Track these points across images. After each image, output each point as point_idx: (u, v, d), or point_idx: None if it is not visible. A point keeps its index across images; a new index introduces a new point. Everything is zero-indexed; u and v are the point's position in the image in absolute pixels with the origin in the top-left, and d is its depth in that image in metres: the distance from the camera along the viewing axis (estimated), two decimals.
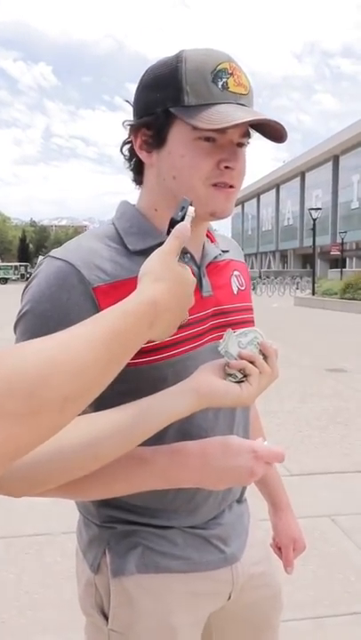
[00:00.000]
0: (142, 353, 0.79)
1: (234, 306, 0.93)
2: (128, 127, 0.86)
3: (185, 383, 0.76)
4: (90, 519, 0.92)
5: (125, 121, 0.86)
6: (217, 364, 0.78)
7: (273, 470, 1.16)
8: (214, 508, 0.92)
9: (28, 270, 58.65)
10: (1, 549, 2.70)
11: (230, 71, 0.79)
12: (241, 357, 0.77)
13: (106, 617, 0.88)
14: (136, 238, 0.85)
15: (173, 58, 0.80)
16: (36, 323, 0.77)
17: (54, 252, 0.82)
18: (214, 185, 0.81)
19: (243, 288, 0.98)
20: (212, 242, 0.96)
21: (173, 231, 0.69)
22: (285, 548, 1.16)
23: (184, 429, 0.83)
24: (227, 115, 0.76)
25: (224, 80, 0.78)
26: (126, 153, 0.89)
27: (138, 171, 0.89)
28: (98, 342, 0.56)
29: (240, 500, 1.02)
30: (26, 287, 0.82)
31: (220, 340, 0.78)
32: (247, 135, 0.83)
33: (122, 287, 0.79)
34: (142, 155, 0.85)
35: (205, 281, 0.89)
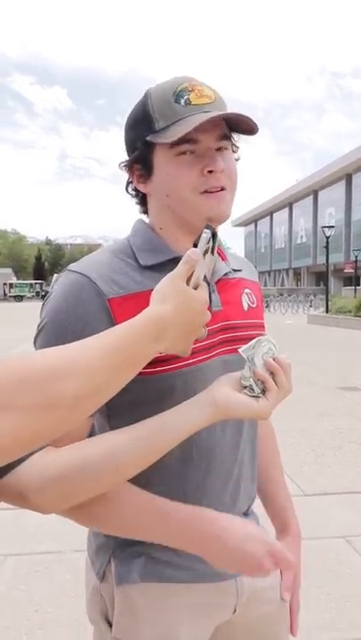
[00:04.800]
0: (152, 363, 0.81)
1: (244, 321, 0.95)
2: (124, 168, 0.92)
3: (203, 395, 0.78)
4: None
5: (121, 163, 0.93)
6: (233, 377, 0.80)
7: (285, 491, 1.14)
8: None
9: (44, 288, 59.18)
10: (11, 567, 2.69)
11: (190, 88, 0.85)
12: (266, 367, 0.78)
13: (110, 624, 0.89)
14: (148, 254, 0.89)
15: (142, 97, 0.89)
16: (55, 334, 0.80)
17: (71, 266, 0.87)
18: (204, 192, 0.85)
19: (254, 305, 1.00)
20: (222, 260, 0.99)
21: (184, 257, 0.74)
22: (286, 574, 1.13)
23: (191, 441, 0.83)
24: (191, 123, 0.81)
25: (185, 97, 0.84)
26: (132, 192, 0.95)
27: (143, 202, 0.95)
28: (106, 350, 0.63)
29: (247, 513, 1.01)
30: (45, 300, 0.86)
31: (246, 346, 0.80)
32: (225, 138, 0.87)
33: (134, 299, 0.83)
34: (140, 187, 0.92)
35: (215, 296, 0.92)
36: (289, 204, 61.82)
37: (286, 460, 4.52)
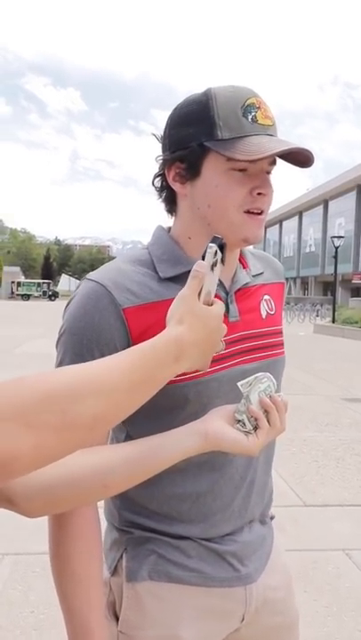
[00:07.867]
0: None
1: (261, 330, 0.96)
2: (160, 161, 0.90)
3: (196, 424, 0.79)
4: (112, 523, 0.96)
5: (158, 156, 0.91)
6: (228, 410, 0.81)
7: None
8: (230, 522, 0.93)
9: (51, 287, 59.19)
10: (7, 567, 2.69)
11: (258, 105, 0.84)
12: (261, 405, 0.78)
13: (116, 617, 0.91)
14: (167, 265, 0.89)
15: (202, 95, 0.85)
16: (73, 340, 0.83)
17: (90, 275, 0.88)
18: (247, 212, 0.85)
19: (272, 312, 1.00)
20: (244, 268, 0.99)
21: (192, 272, 0.71)
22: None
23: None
24: (261, 146, 0.81)
25: (253, 114, 0.83)
26: (157, 185, 0.93)
27: (170, 201, 0.93)
28: (126, 371, 0.63)
29: (263, 522, 1.02)
30: (66, 306, 0.88)
31: (244, 381, 0.80)
32: (274, 163, 0.87)
33: (150, 309, 0.84)
34: (176, 186, 0.89)
35: (233, 307, 0.93)
36: (299, 213, 61.72)
37: (288, 470, 4.50)
